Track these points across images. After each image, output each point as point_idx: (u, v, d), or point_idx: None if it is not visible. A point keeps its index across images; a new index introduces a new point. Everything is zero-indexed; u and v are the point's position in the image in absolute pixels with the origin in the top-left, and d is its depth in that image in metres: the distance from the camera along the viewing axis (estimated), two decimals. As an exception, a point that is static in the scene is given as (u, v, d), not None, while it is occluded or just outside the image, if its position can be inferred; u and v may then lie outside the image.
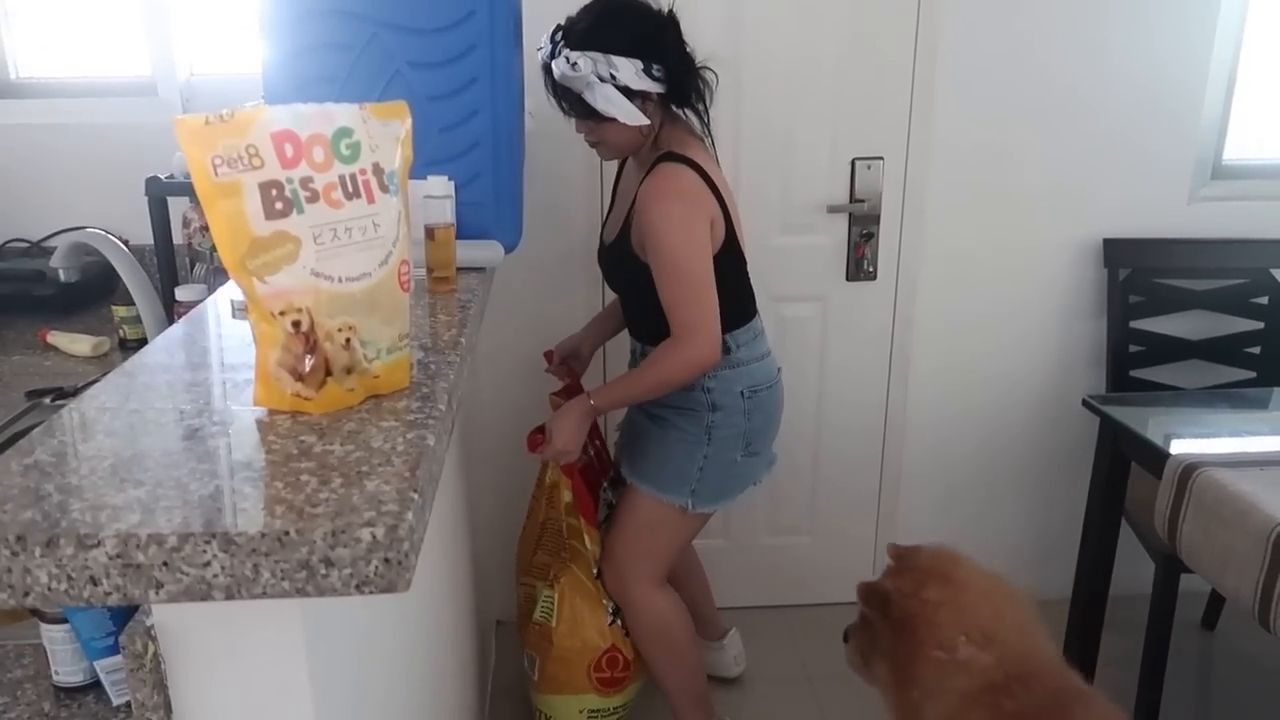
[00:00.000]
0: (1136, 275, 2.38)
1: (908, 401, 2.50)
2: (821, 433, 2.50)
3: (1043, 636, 1.48)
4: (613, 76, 1.61)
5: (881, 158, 2.30)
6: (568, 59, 1.61)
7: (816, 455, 2.51)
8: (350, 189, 0.89)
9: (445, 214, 1.31)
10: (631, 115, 1.64)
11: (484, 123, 1.43)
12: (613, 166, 2.22)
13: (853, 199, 2.31)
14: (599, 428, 2.05)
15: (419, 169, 1.22)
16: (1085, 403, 1.97)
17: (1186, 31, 2.29)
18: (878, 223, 2.33)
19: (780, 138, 2.27)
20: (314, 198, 0.86)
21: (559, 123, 2.20)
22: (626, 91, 1.63)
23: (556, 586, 1.90)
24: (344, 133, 0.89)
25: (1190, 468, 1.65)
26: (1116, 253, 2.37)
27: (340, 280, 0.89)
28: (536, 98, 2.08)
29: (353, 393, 0.91)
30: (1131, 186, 2.38)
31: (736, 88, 2.22)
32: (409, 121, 0.97)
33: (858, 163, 2.30)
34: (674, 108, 1.74)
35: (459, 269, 1.37)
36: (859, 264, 2.35)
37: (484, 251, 1.44)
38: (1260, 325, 2.40)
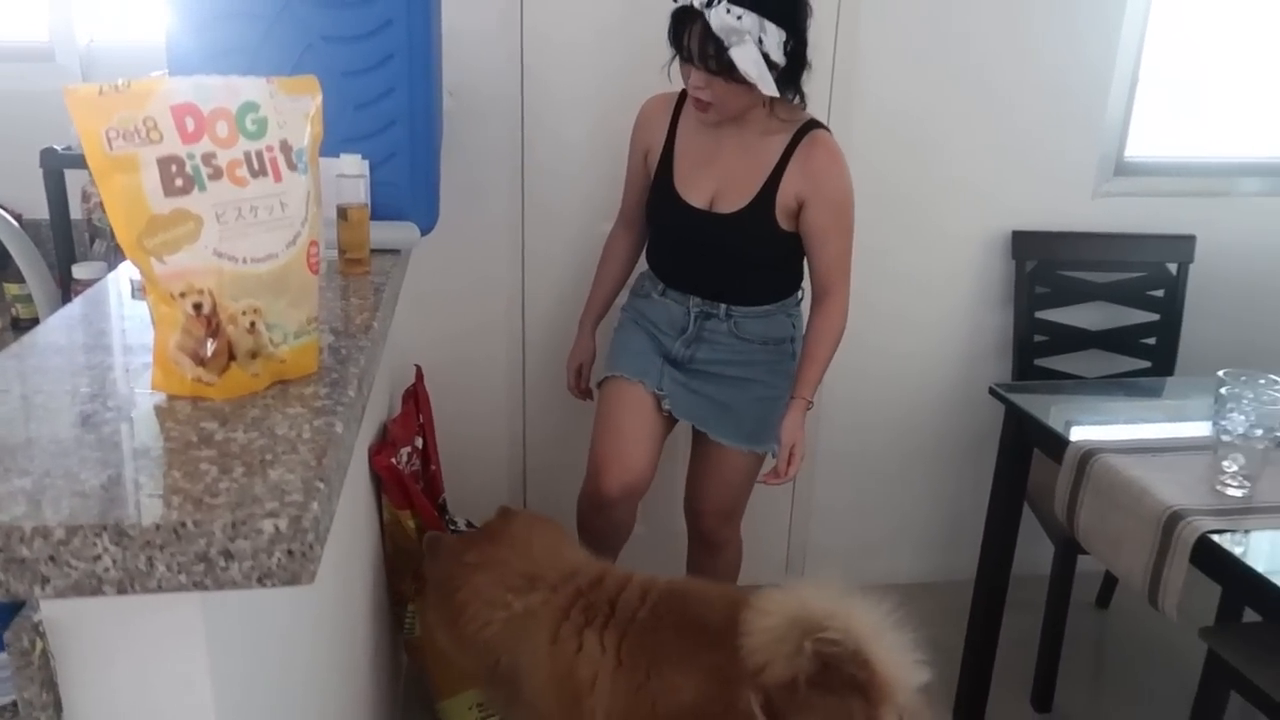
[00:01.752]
0: (1042, 267, 2.46)
1: (822, 390, 2.53)
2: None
3: (572, 548, 1.69)
4: (761, 41, 1.61)
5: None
6: (729, 9, 1.58)
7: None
8: (256, 166, 0.86)
9: (359, 193, 1.28)
10: (768, 84, 1.64)
11: (400, 101, 1.40)
12: (553, 150, 2.20)
13: (773, 187, 2.34)
14: (435, 450, 2.03)
15: (332, 146, 1.18)
16: (992, 390, 2.03)
17: (1092, 35, 2.36)
18: (797, 211, 2.36)
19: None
20: (217, 175, 0.83)
21: (480, 101, 2.18)
22: (766, 60, 1.63)
23: (416, 600, 1.89)
24: (250, 107, 0.86)
25: (1088, 454, 1.72)
26: (1024, 245, 2.45)
27: (245, 261, 0.86)
28: (456, 76, 2.05)
29: (258, 378, 0.88)
30: (1039, 181, 2.45)
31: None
32: (319, 97, 0.94)
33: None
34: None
35: (373, 251, 1.34)
36: (778, 252, 2.38)
37: (399, 233, 1.41)
38: (1156, 317, 2.50)
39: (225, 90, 0.85)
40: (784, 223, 1.82)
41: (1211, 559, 1.47)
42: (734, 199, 1.82)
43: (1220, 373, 1.62)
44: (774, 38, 1.62)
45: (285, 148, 0.89)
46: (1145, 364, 2.52)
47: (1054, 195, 2.47)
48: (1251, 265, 2.62)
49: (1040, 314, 2.47)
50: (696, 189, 1.85)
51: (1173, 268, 2.50)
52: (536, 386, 2.41)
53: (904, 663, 1.26)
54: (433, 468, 2.02)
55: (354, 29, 1.35)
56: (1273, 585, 1.36)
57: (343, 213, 1.28)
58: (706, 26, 1.60)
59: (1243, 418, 1.55)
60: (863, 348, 2.50)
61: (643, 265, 2.06)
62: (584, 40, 2.19)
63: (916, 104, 2.35)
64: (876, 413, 2.58)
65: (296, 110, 0.90)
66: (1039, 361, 2.48)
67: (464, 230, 2.24)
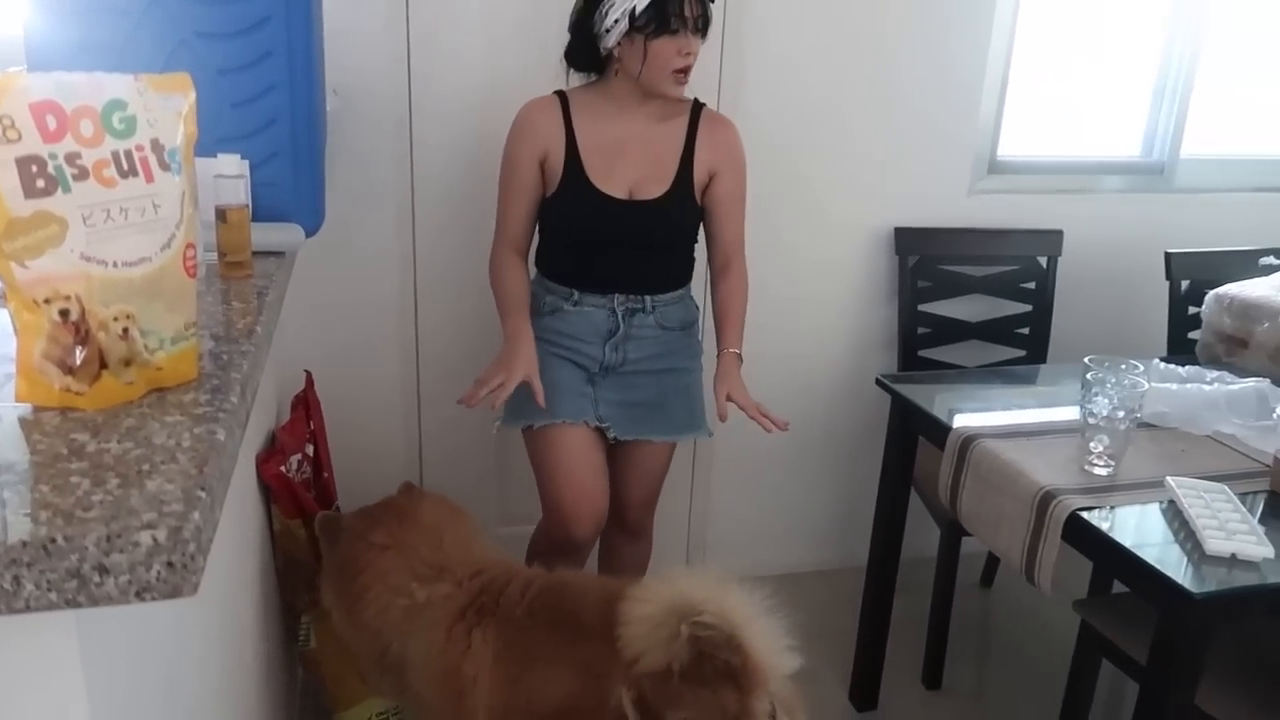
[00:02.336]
0: (924, 262, 2.55)
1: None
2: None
3: (481, 543, 1.67)
4: None
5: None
6: None
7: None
8: (126, 166, 0.83)
9: (238, 194, 1.24)
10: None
11: (281, 99, 1.36)
12: (443, 145, 2.17)
13: (664, 186, 2.36)
14: (328, 457, 1.97)
15: (210, 146, 1.15)
16: (878, 381, 2.10)
17: (964, 40, 2.47)
18: (688, 210, 2.39)
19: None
20: (82, 175, 0.80)
21: (366, 102, 2.13)
22: None
23: (311, 611, 1.85)
24: (117, 105, 0.82)
25: (968, 439, 1.79)
26: (906, 241, 2.54)
27: (116, 265, 0.82)
28: (340, 77, 2.01)
29: (132, 386, 0.85)
30: (919, 180, 2.55)
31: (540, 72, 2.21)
32: (192, 95, 0.91)
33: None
34: None
35: (255, 253, 1.30)
36: (671, 250, 2.41)
37: (282, 235, 1.37)
38: (1029, 308, 2.63)
39: (90, 87, 0.81)
40: (700, 199, 1.89)
41: (1082, 535, 1.56)
42: (654, 185, 1.84)
43: (1086, 359, 1.72)
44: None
45: (157, 147, 0.86)
46: (1021, 353, 2.64)
47: (933, 193, 2.57)
48: (1114, 258, 2.78)
49: (923, 307, 2.57)
50: (613, 181, 1.83)
51: (1043, 261, 2.63)
52: (431, 391, 2.38)
53: (776, 649, 1.27)
54: (325, 475, 1.97)
55: (230, 25, 1.31)
56: (1137, 558, 1.45)
57: (222, 214, 1.24)
58: None
59: (1106, 401, 1.64)
60: (755, 344, 2.55)
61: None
62: (472, 42, 2.17)
63: (803, 105, 2.41)
64: (770, 405, 2.62)
65: (168, 109, 0.87)
66: (922, 352, 2.58)
67: (352, 234, 2.19)
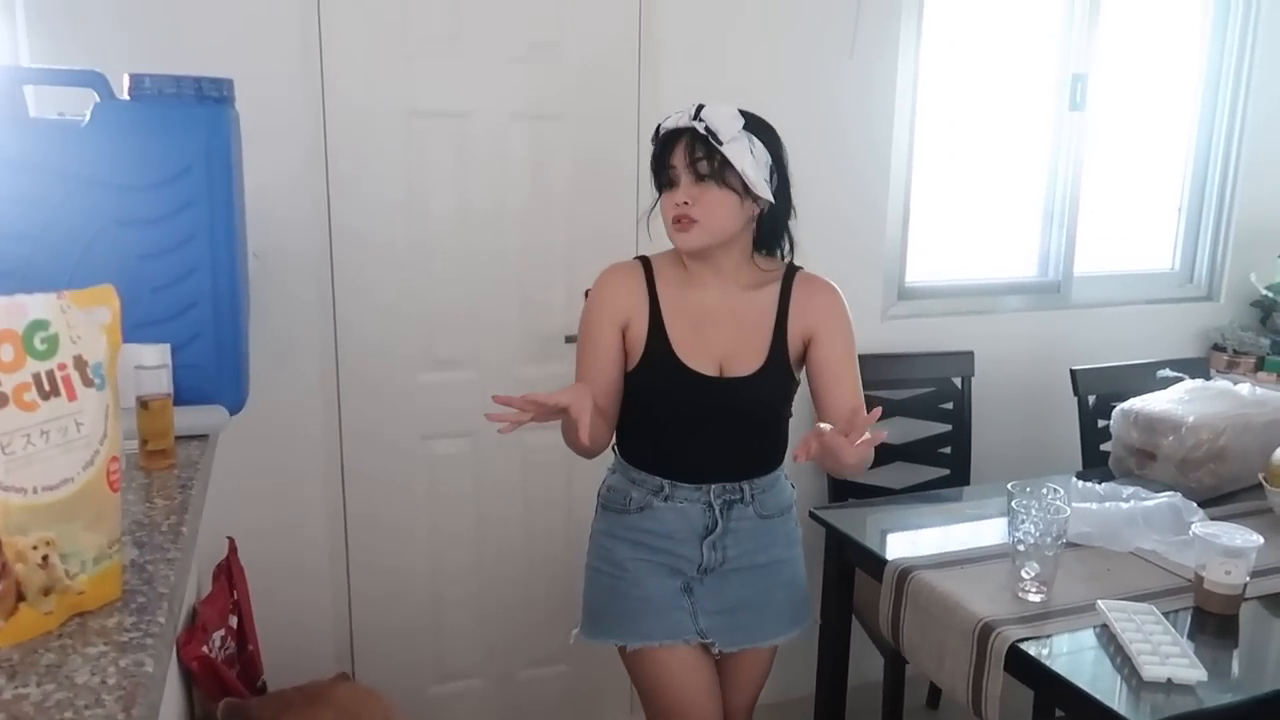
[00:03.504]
0: (845, 388, 2.61)
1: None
2: (572, 555, 2.50)
3: None
4: (751, 151, 1.57)
5: (613, 288, 2.40)
6: (722, 109, 1.57)
7: (568, 570, 2.50)
8: (47, 387, 0.81)
9: (160, 384, 1.22)
10: (762, 187, 1.57)
11: (203, 280, 1.35)
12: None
13: (589, 328, 2.39)
14: (253, 628, 1.86)
15: (129, 332, 1.12)
16: (812, 515, 2.12)
17: (867, 174, 2.61)
18: (614, 350, 2.42)
19: (517, 267, 2.31)
20: (2, 402, 0.78)
21: (285, 258, 2.13)
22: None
23: None
24: (38, 326, 0.81)
25: (905, 572, 1.81)
26: (827, 369, 2.60)
27: (35, 490, 0.80)
28: (259, 234, 2.00)
29: (51, 615, 0.81)
30: (834, 308, 2.64)
31: (464, 219, 2.26)
32: (116, 304, 0.90)
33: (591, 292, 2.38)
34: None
35: (178, 437, 1.27)
36: (599, 390, 2.42)
37: (206, 417, 1.34)
38: (949, 428, 2.71)
39: (10, 311, 0.80)
40: (797, 372, 1.72)
41: (1023, 666, 1.57)
42: (747, 359, 1.67)
43: (1009, 486, 1.76)
44: (761, 154, 1.58)
45: (80, 364, 0.84)
46: (945, 471, 2.70)
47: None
48: (1024, 374, 2.90)
49: (847, 432, 2.62)
50: (702, 356, 1.65)
51: (958, 381, 2.72)
52: (361, 554, 2.31)
53: None
54: (250, 648, 1.88)
55: (150, 212, 1.31)
56: (1079, 689, 1.47)
57: (143, 403, 1.21)
58: (694, 134, 1.56)
59: (1032, 528, 1.68)
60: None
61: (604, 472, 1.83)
62: (394, 190, 2.19)
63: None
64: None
65: (91, 323, 0.86)
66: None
67: (276, 392, 2.15)
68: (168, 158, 1.31)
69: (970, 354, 2.72)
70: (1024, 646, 1.57)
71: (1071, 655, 1.58)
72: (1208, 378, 2.55)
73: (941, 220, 2.83)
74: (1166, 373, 2.53)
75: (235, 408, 1.40)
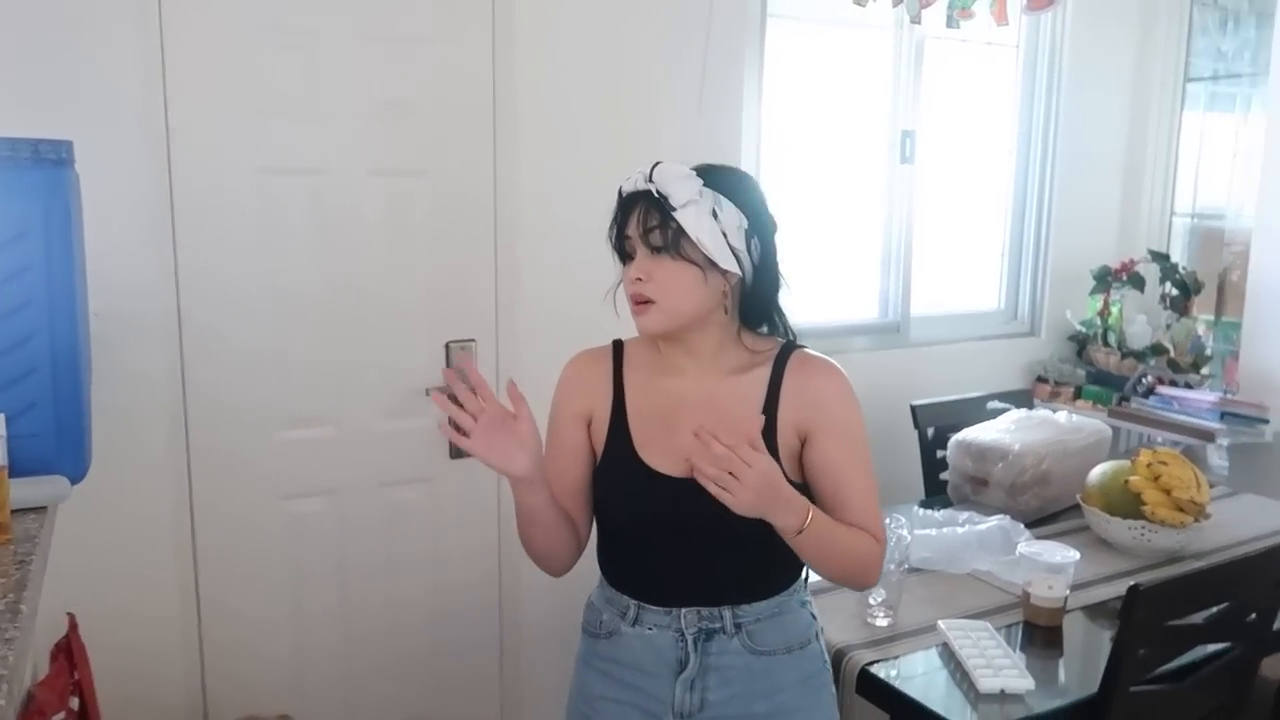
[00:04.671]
0: (704, 430, 2.71)
1: (519, 567, 2.57)
2: (441, 606, 2.48)
3: None
4: (715, 214, 1.33)
5: (474, 340, 2.42)
6: (678, 167, 1.35)
7: (435, 626, 2.47)
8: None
9: (-5, 456, 1.17)
10: (725, 257, 1.33)
11: (40, 347, 1.31)
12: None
13: (451, 380, 2.40)
14: (96, 710, 1.72)
15: (-42, 407, 1.09)
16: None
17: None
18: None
19: (376, 321, 2.31)
20: None
21: (130, 320, 2.06)
22: (725, 240, 1.34)
23: None
24: None
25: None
26: (686, 412, 2.69)
27: None
28: (102, 301, 1.93)
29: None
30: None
31: (321, 276, 2.24)
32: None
33: (452, 345, 2.40)
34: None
35: (14, 510, 1.22)
36: (462, 442, 2.42)
37: (45, 489, 1.29)
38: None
39: None
40: (789, 472, 1.36)
41: (873, 688, 1.66)
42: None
43: (856, 518, 1.87)
44: (732, 218, 1.34)
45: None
46: (801, 506, 2.82)
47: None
48: (870, 409, 3.01)
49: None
50: (670, 455, 1.38)
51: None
52: (215, 628, 2.21)
53: None
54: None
55: (-19, 279, 1.26)
56: (923, 707, 1.57)
57: (-25, 477, 1.16)
58: (650, 198, 1.34)
59: (878, 556, 1.79)
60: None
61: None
62: (246, 247, 2.15)
63: (577, 290, 2.54)
64: (575, 578, 2.64)
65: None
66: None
67: (119, 462, 2.04)
68: (3, 222, 1.27)
69: (819, 393, 2.86)
70: (873, 669, 1.66)
71: (916, 675, 1.69)
72: (1031, 407, 2.77)
73: (790, 267, 2.98)
74: (995, 404, 2.73)
75: (77, 477, 1.35)
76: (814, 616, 1.47)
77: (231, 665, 2.24)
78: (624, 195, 1.40)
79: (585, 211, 2.51)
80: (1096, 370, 3.29)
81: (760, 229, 1.39)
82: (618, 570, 1.46)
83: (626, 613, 1.43)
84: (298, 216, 2.20)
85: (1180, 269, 3.24)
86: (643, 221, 1.35)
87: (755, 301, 1.42)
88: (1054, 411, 2.64)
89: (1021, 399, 2.94)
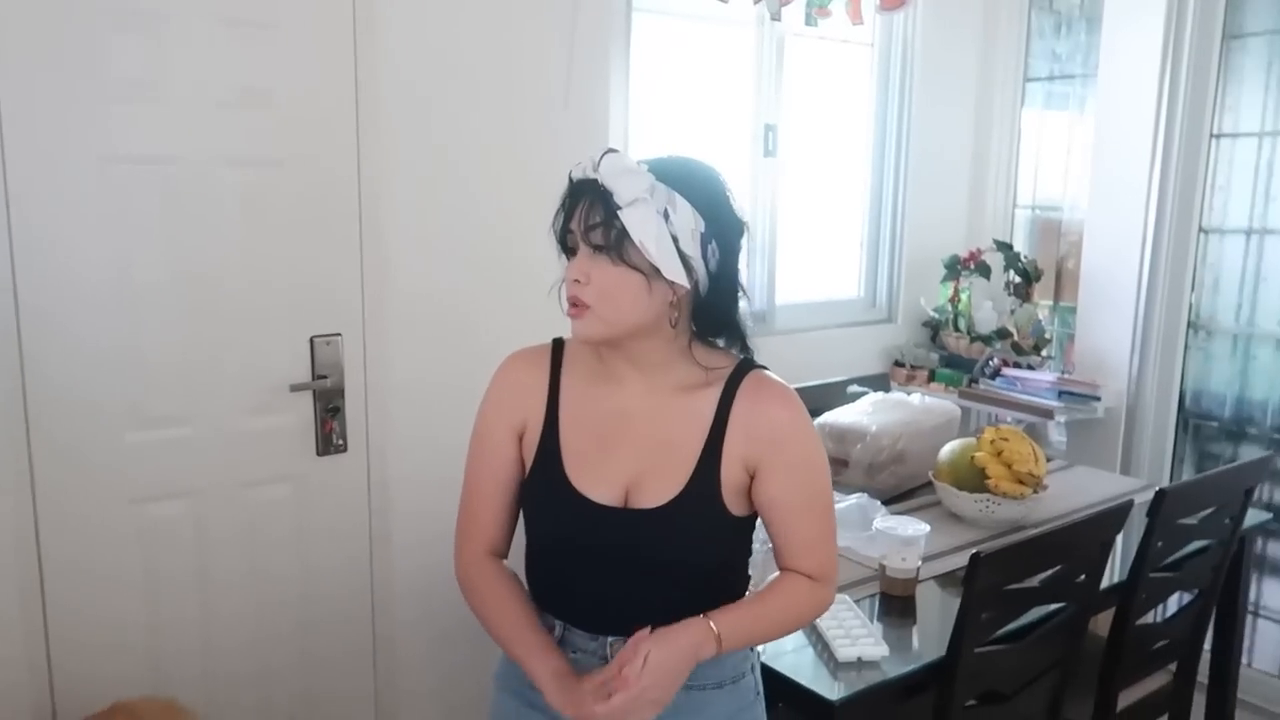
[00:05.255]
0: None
1: (392, 563, 2.54)
2: (309, 608, 2.42)
3: None
4: (668, 215, 1.20)
5: (340, 334, 2.37)
6: (628, 160, 1.23)
7: (305, 634, 2.42)
8: None
9: None
10: (671, 265, 1.20)
11: None
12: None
13: (315, 375, 2.35)
14: None
15: None
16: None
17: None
18: (343, 396, 2.39)
19: (234, 316, 2.23)
20: None
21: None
22: (675, 245, 1.21)
23: None
24: None
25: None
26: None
27: None
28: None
29: None
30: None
31: (174, 268, 2.16)
32: None
33: (316, 340, 2.35)
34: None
35: None
36: (328, 438, 2.38)
37: None
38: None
39: None
40: (734, 505, 1.30)
41: (740, 663, 1.72)
42: (660, 486, 1.28)
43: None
44: (686, 220, 1.21)
45: None
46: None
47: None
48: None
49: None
50: (601, 479, 1.30)
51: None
52: (63, 635, 2.10)
53: None
54: None
55: None
56: (784, 676, 1.64)
57: None
58: (596, 189, 1.21)
59: (744, 537, 1.85)
60: (431, 514, 2.56)
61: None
62: (91, 240, 2.04)
63: (451, 281, 2.52)
64: (449, 573, 2.62)
65: None
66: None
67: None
68: None
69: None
70: (740, 646, 1.72)
71: (786, 652, 1.75)
72: (889, 390, 2.91)
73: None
74: (855, 388, 2.86)
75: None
76: (751, 648, 1.40)
77: (83, 669, 2.12)
78: (573, 182, 1.27)
79: (453, 203, 2.50)
80: (948, 354, 3.47)
81: (720, 232, 1.25)
82: (543, 588, 1.38)
83: (552, 632, 1.35)
84: (148, 206, 2.10)
85: (1022, 258, 3.45)
86: (585, 217, 1.23)
87: (710, 313, 1.29)
88: (909, 394, 2.79)
89: (880, 383, 3.09)
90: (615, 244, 1.21)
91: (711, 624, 1.24)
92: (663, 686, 1.20)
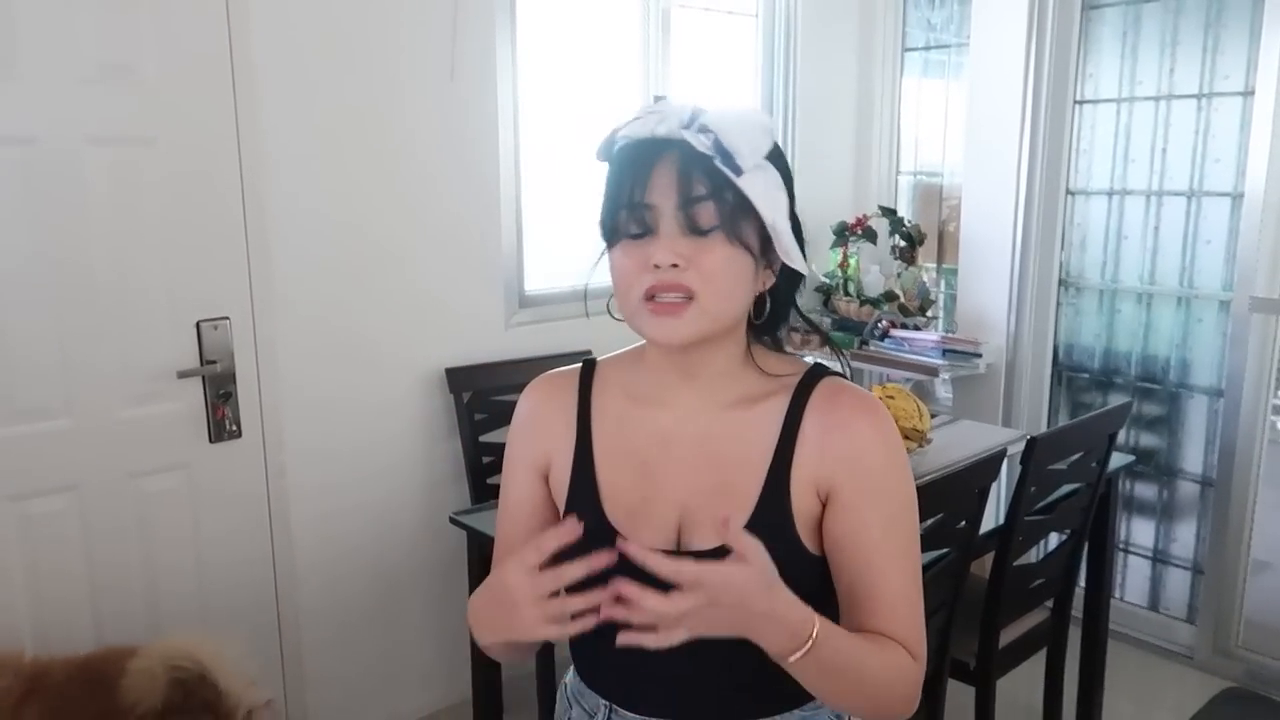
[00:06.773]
0: (476, 397, 2.73)
1: (293, 546, 2.51)
2: (208, 598, 2.37)
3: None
4: (782, 188, 1.02)
5: (228, 318, 2.31)
6: (750, 121, 0.99)
7: (206, 625, 2.36)
8: None
9: None
10: (792, 252, 1.00)
11: None
12: None
13: (204, 361, 2.28)
14: None
15: None
16: (452, 519, 2.20)
17: (477, 190, 2.74)
18: (234, 381, 2.33)
19: (109, 303, 2.15)
20: None
21: None
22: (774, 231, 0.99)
23: None
24: None
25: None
26: (456, 379, 2.71)
27: None
28: None
29: None
30: (460, 321, 2.75)
31: (40, 254, 2.06)
32: None
33: (203, 324, 2.28)
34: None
35: None
36: (221, 425, 2.32)
37: None
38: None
39: None
40: (810, 542, 1.04)
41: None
42: (718, 523, 0.95)
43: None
44: (783, 199, 1.01)
45: None
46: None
47: (475, 332, 2.78)
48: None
49: (484, 438, 2.74)
50: (648, 518, 1.06)
51: (580, 378, 2.94)
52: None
53: (242, 683, 1.74)
54: None
55: None
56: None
57: None
58: (690, 153, 0.96)
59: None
60: (328, 498, 2.54)
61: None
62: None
63: (336, 267, 2.49)
64: (352, 558, 2.61)
65: None
66: (491, 480, 2.74)
67: None
68: None
69: (589, 352, 2.94)
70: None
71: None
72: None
73: (555, 229, 3.04)
74: (749, 354, 2.92)
75: None
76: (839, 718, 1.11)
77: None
78: (636, 141, 0.99)
79: (338, 181, 2.45)
80: (840, 318, 3.58)
81: (795, 215, 1.05)
82: (586, 658, 1.14)
83: (595, 715, 1.12)
84: (7, 189, 2.00)
85: (906, 222, 3.58)
86: (684, 187, 0.96)
87: (775, 306, 1.08)
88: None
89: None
90: (730, 220, 0.97)
91: (817, 620, 0.93)
92: (735, 603, 0.88)
